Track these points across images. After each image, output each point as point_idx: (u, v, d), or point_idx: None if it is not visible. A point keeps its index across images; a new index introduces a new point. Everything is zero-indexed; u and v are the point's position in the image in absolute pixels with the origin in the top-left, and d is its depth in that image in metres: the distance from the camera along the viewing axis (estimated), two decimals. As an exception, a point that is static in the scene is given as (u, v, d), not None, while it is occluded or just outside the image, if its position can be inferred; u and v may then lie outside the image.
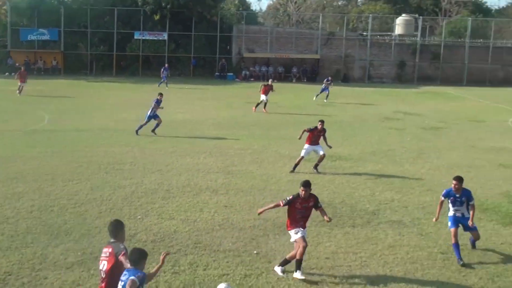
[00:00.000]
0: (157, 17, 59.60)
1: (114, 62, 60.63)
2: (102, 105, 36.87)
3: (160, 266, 8.47)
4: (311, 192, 11.31)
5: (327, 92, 42.66)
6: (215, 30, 60.97)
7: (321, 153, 19.78)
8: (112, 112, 33.71)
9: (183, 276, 10.95)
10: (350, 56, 64.37)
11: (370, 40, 64.89)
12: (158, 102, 26.71)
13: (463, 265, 11.74)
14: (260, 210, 11.93)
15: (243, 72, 61.98)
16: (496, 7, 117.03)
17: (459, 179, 12.25)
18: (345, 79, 60.68)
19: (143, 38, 60.59)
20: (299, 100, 43.24)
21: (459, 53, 65.20)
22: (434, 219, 12.77)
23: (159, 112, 26.53)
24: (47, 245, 12.32)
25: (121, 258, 8.09)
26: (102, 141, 24.44)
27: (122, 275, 7.90)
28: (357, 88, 54.23)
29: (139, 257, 7.93)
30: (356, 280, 11.01)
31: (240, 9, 70.31)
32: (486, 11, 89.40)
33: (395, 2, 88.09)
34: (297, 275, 10.84)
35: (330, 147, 20.66)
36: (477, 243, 12.75)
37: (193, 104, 38.10)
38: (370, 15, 70.07)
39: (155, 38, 60.86)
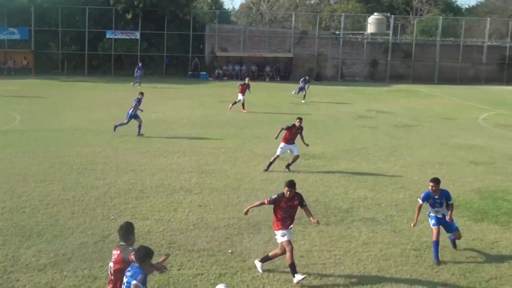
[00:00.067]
0: (129, 16, 59.17)
1: (86, 61, 60.02)
2: (74, 105, 36.50)
3: (159, 269, 8.43)
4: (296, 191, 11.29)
5: (304, 92, 42.54)
6: (188, 29, 60.74)
7: (296, 153, 19.80)
8: (85, 112, 33.39)
9: (157, 276, 10.88)
10: (323, 54, 64.65)
11: (342, 38, 65.22)
12: (139, 101, 26.48)
13: (438, 264, 11.84)
14: (245, 209, 11.87)
15: (216, 71, 61.87)
16: (466, 6, 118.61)
17: (436, 181, 12.21)
18: (318, 77, 60.88)
19: (115, 37, 60.09)
20: (273, 99, 43.31)
21: (430, 52, 65.89)
22: (412, 225, 12.58)
23: (138, 112, 26.35)
24: (18, 247, 12.17)
25: (132, 257, 7.99)
26: (74, 141, 24.21)
27: (127, 270, 7.85)
28: (330, 87, 54.50)
29: (144, 254, 7.79)
30: (331, 278, 11.06)
31: (213, 8, 70.15)
32: (456, 10, 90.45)
33: (367, 1, 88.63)
34: (298, 277, 10.68)
35: (307, 145, 20.65)
36: (448, 240, 12.87)
37: (166, 103, 37.92)
38: (343, 14, 70.40)
39: (128, 37, 60.41)
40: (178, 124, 29.47)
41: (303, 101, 41.15)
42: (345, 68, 65.21)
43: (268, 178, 18.58)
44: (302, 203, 11.29)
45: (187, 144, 24.18)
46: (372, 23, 68.55)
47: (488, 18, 70.73)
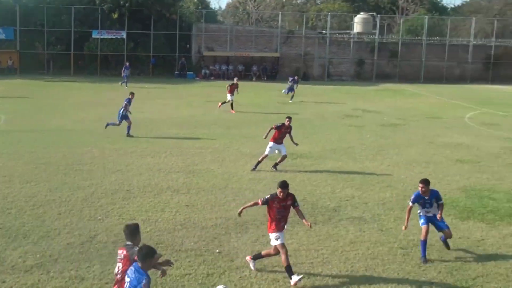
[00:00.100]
0: (115, 16, 58.97)
1: (72, 61, 59.73)
2: (60, 105, 36.32)
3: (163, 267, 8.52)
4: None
5: (293, 92, 42.39)
6: (174, 29, 60.62)
7: (284, 153, 19.81)
8: (71, 112, 33.23)
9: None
10: (310, 54, 64.77)
11: (329, 38, 65.38)
12: (130, 101, 26.31)
13: (425, 262, 11.89)
14: (239, 210, 11.79)
15: (203, 70, 61.81)
16: (452, 6, 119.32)
17: (425, 182, 12.16)
18: (304, 77, 60.99)
19: (101, 37, 59.87)
20: (260, 98, 43.32)
21: (416, 51, 66.22)
22: (403, 228, 12.42)
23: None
24: (4, 248, 12.09)
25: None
26: (60, 141, 24.07)
27: (129, 270, 7.78)
28: (317, 86, 54.62)
29: (146, 253, 7.68)
30: (318, 277, 11.08)
31: (199, 7, 70.05)
32: (442, 10, 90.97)
33: (353, 1, 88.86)
34: (295, 278, 10.58)
35: (297, 144, 20.72)
36: (436, 238, 12.91)
37: (153, 103, 37.81)
38: (329, 13, 70.55)
39: (114, 37, 60.21)
40: (165, 124, 29.40)
41: (290, 101, 41.13)
42: (332, 68, 65.38)
43: (255, 178, 18.58)
44: (294, 204, 11.23)
45: (174, 144, 24.12)
46: (358, 22, 68.76)
47: (474, 18, 71.17)
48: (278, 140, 19.76)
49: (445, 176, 19.42)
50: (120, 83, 48.25)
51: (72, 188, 16.73)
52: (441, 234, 12.56)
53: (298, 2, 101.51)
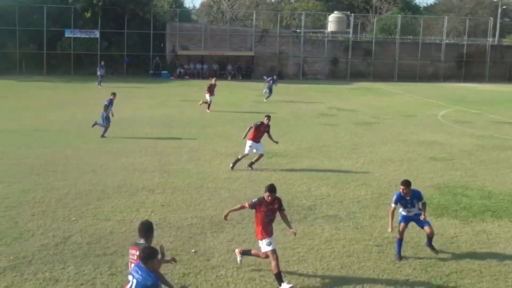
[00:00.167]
0: (88, 15, 58.52)
1: (45, 61, 59.12)
2: (33, 105, 35.93)
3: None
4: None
5: (271, 92, 42.07)
6: (148, 28, 60.34)
7: (260, 152, 19.84)
8: (44, 112, 32.89)
9: (120, 277, 10.79)
10: (284, 53, 64.94)
11: (303, 37, 65.61)
12: (111, 102, 25.83)
13: (400, 259, 11.97)
14: (225, 213, 11.55)
15: (178, 70, 61.62)
16: (424, 5, 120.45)
17: (407, 183, 12.07)
18: (279, 76, 61.12)
19: (74, 36, 59.39)
20: (234, 97, 43.29)
21: (390, 50, 66.77)
22: (389, 230, 12.27)
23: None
24: (-23, 250, 11.92)
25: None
26: (33, 142, 23.81)
27: (133, 270, 7.66)
28: (292, 85, 54.76)
29: (148, 254, 7.52)
30: (294, 276, 11.09)
31: (173, 6, 69.85)
32: (415, 9, 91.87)
33: (327, 0, 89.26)
34: (285, 286, 10.48)
35: (277, 142, 20.88)
36: (411, 236, 13.01)
37: (127, 103, 37.51)
38: (303, 12, 70.81)
39: (87, 36, 59.75)
40: (140, 124, 29.23)
41: (265, 100, 41.12)
42: (307, 66, 65.61)
43: (231, 177, 18.56)
44: (281, 207, 11.12)
45: (149, 143, 24.01)
46: (332, 21, 69.16)
47: (446, 17, 72.01)
48: (256, 139, 19.79)
49: (419, 174, 19.59)
50: (97, 83, 47.98)
51: (45, 189, 16.56)
52: (428, 239, 12.49)
53: (272, 1, 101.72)
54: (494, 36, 71.58)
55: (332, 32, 68.31)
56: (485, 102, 44.91)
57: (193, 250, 12.21)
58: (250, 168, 19.64)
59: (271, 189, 10.87)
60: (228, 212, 11.51)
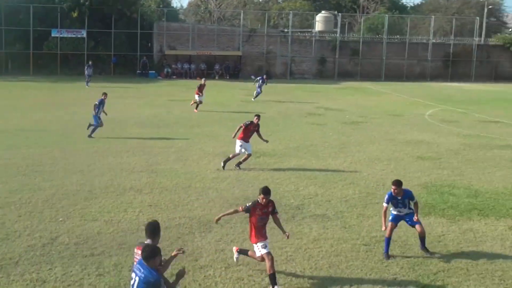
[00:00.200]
0: (75, 14, 58.22)
1: (31, 60, 58.75)
2: (19, 105, 35.69)
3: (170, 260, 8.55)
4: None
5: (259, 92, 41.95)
6: (135, 27, 60.14)
7: (249, 151, 19.86)
8: (30, 112, 32.69)
9: (107, 278, 10.76)
10: (272, 52, 64.96)
11: (291, 36, 65.68)
12: (102, 102, 25.64)
13: (388, 258, 12.01)
14: (217, 217, 11.42)
15: (165, 69, 61.47)
16: (411, 4, 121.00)
17: (398, 183, 12.07)
18: (267, 75, 61.12)
19: (61, 36, 59.08)
20: (222, 97, 43.24)
21: (377, 49, 66.97)
22: (383, 228, 12.33)
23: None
24: (-37, 252, 11.84)
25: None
26: (20, 142, 23.65)
27: (135, 267, 7.74)
28: (280, 84, 54.77)
29: (150, 252, 7.62)
30: (282, 275, 11.10)
31: (161, 6, 69.68)
32: (401, 8, 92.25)
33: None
34: None
35: (266, 141, 20.99)
36: (400, 234, 13.03)
37: (114, 103, 37.28)
38: (291, 12, 70.90)
39: (74, 36, 59.45)
40: (127, 124, 29.13)
41: (253, 99, 41.09)
42: (294, 66, 65.68)
43: (219, 177, 18.55)
44: (274, 210, 11.08)
45: (137, 143, 23.94)
46: (320, 21, 69.33)
47: (433, 16, 72.37)
48: (246, 138, 19.82)
49: (407, 173, 19.66)
50: (86, 83, 47.80)
51: (32, 190, 16.46)
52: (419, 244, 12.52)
53: (260, 0, 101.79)
54: (480, 35, 72.01)
55: (319, 32, 68.45)
56: (471, 101, 45.17)
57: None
58: (238, 168, 19.63)
59: (266, 191, 10.81)
60: (221, 216, 11.40)
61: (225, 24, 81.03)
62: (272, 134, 26.57)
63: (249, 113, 31.03)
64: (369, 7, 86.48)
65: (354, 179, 18.69)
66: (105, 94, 26.33)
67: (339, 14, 69.56)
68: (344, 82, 60.03)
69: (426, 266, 11.74)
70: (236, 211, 11.19)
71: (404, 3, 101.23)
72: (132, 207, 15.11)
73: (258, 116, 20.39)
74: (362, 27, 69.99)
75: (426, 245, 12.53)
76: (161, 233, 8.80)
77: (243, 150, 19.79)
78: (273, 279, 10.53)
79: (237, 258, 11.42)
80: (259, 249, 10.76)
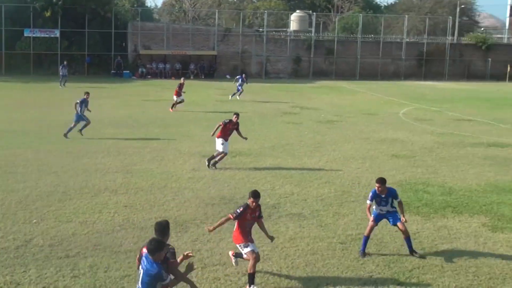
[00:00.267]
0: (48, 14, 57.64)
1: (3, 61, 58.01)
2: (-8, 106, 35.25)
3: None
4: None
5: (239, 91, 41.83)
6: (109, 27, 59.75)
7: (226, 151, 19.88)
8: (2, 112, 32.25)
9: (83, 280, 10.67)
10: (247, 52, 64.96)
11: (266, 36, 65.73)
12: (84, 101, 25.49)
13: (363, 256, 12.08)
14: (211, 227, 11.07)
15: (140, 69, 61.16)
16: (385, 4, 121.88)
17: (382, 181, 12.08)
18: (245, 74, 61.12)
19: (34, 35, 58.48)
20: (197, 96, 43.09)
21: (352, 48, 67.33)
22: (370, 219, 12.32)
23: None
24: None
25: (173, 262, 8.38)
26: (-8, 143, 23.36)
27: (142, 261, 8.03)
28: (255, 84, 54.73)
29: (155, 247, 7.90)
30: (259, 274, 11.10)
31: (135, 5, 69.34)
32: (375, 8, 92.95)
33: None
34: None
35: (246, 138, 21.10)
36: (376, 232, 13.03)
37: (89, 103, 37.04)
38: (266, 11, 70.96)
39: (47, 36, 58.89)
40: (102, 124, 28.88)
41: (230, 98, 40.99)
42: (269, 65, 65.75)
43: (194, 177, 18.50)
44: (260, 214, 11.02)
45: (112, 144, 23.77)
46: (294, 20, 69.57)
47: (406, 16, 72.95)
48: (225, 136, 19.86)
49: (381, 171, 19.76)
50: (63, 84, 47.29)
51: (5, 191, 16.25)
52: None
53: (235, 0, 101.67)
54: (453, 34, 72.78)
55: (294, 31, 68.64)
56: (445, 99, 45.63)
57: (157, 251, 12.11)
58: (214, 168, 19.60)
59: (256, 195, 10.76)
60: (214, 228, 11.02)
61: (200, 23, 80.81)
62: (248, 134, 26.49)
63: (224, 112, 31.05)
64: (343, 6, 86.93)
65: (330, 178, 18.76)
66: (87, 93, 26.23)
67: (314, 13, 69.81)
68: (319, 81, 60.25)
69: (401, 264, 11.83)
70: (227, 219, 10.88)
71: (378, 3, 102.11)
72: (107, 208, 15.00)
73: (237, 115, 20.48)
74: (336, 27, 70.30)
75: (401, 242, 12.59)
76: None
77: (225, 147, 19.81)
78: (251, 278, 10.52)
79: (236, 262, 11.29)
80: (241, 249, 10.75)
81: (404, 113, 36.46)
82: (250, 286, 10.50)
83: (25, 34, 58.28)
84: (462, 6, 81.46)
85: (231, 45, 64.72)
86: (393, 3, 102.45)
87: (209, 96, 43.77)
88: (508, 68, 66.55)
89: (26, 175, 18.15)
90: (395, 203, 12.34)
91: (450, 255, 12.31)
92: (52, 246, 12.22)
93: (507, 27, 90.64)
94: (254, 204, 10.73)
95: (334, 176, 19.10)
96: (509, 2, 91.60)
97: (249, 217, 10.77)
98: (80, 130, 25.04)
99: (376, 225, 12.38)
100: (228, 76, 61.71)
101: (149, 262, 7.88)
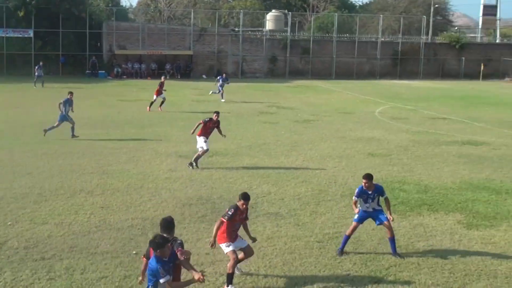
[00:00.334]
0: (21, 14, 56.99)
1: (-24, 61, 57.31)
2: (-36, 107, 34.77)
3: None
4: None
5: (221, 91, 41.65)
6: (84, 27, 59.25)
7: (208, 148, 19.94)
8: (-24, 114, 31.86)
9: (59, 282, 10.57)
10: (223, 51, 64.87)
11: (242, 35, 65.70)
12: (68, 101, 25.22)
13: (341, 255, 12.13)
14: (211, 240, 10.67)
15: (115, 69, 60.75)
16: (360, 3, 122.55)
17: (369, 177, 12.05)
18: (218, 74, 60.92)
19: (7, 35, 57.81)
20: (173, 96, 42.90)
21: (327, 48, 67.56)
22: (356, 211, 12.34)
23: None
24: None
25: (177, 252, 8.65)
26: (-35, 145, 23.05)
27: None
28: (231, 84, 54.57)
29: (158, 242, 8.16)
30: (237, 273, 11.09)
31: (110, 5, 68.82)
32: (351, 7, 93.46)
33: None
34: None
35: (224, 136, 21.15)
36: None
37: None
38: (241, 11, 70.92)
39: (20, 36, 58.25)
40: (77, 125, 28.41)
41: (222, 100, 40.49)
42: (246, 65, 65.72)
43: (171, 177, 18.43)
44: (246, 216, 11.03)
45: (87, 144, 23.58)
46: (270, 20, 69.66)
47: (381, 15, 73.41)
48: (206, 134, 19.87)
49: (358, 170, 19.88)
50: (41, 84, 46.76)
51: (-21, 193, 16.06)
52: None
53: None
54: (427, 34, 73.44)
55: (270, 31, 68.72)
56: (420, 98, 46.00)
57: (134, 252, 12.06)
58: (191, 167, 19.55)
59: (246, 197, 10.77)
60: (214, 240, 10.68)
61: (176, 23, 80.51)
62: (225, 133, 26.53)
63: (201, 112, 31.03)
64: (318, 6, 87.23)
65: (307, 177, 18.82)
66: (71, 93, 25.93)
67: (290, 13, 69.94)
68: (296, 81, 60.39)
69: (378, 262, 11.91)
70: (221, 223, 10.61)
71: (353, 2, 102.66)
72: (83, 209, 14.88)
73: (217, 113, 20.50)
74: (312, 26, 70.53)
75: (377, 240, 12.69)
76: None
77: (199, 146, 19.78)
78: (230, 278, 10.52)
79: (238, 270, 11.18)
80: (224, 248, 10.71)
81: (379, 112, 36.71)
82: (228, 286, 10.50)
83: (-2, 34, 57.60)
84: (436, 5, 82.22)
85: (207, 44, 64.59)
86: (368, 2, 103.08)
87: (185, 96, 43.65)
88: (482, 67, 67.29)
89: (0, 177, 17.93)
90: (382, 200, 12.39)
91: (426, 253, 12.43)
92: (27, 248, 12.09)
93: (480, 26, 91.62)
94: (244, 206, 10.76)
95: (311, 175, 19.16)
96: (482, 2, 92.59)
97: (237, 219, 10.75)
98: (73, 136, 24.76)
99: (359, 224, 12.37)
100: (204, 76, 61.58)
101: (152, 257, 8.22)
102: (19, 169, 18.97)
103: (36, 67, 48.73)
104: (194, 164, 19.65)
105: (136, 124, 29.34)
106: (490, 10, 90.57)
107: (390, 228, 12.25)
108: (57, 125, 24.89)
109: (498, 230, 14.06)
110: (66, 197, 15.98)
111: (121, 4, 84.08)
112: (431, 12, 76.97)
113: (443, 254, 12.37)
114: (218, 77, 43.50)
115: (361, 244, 12.80)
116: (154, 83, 37.66)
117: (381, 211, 12.35)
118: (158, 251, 8.13)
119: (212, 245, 10.70)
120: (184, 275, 9.48)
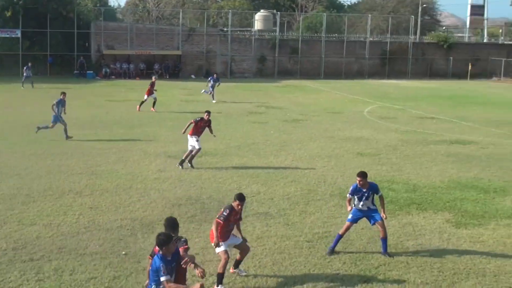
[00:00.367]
0: (8, 14, 56.60)
1: (-37, 62, 56.87)
2: (-49, 108, 34.51)
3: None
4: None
5: (212, 91, 41.57)
6: (72, 27, 58.92)
7: (200, 146, 19.96)
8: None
9: (48, 283, 10.52)
10: (212, 51, 64.77)
11: (230, 35, 65.62)
12: (61, 101, 25.11)
13: (330, 254, 12.15)
14: (215, 241, 10.58)
15: (104, 69, 60.46)
16: (349, 3, 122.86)
17: (363, 175, 12.04)
18: (207, 74, 60.93)
19: (-6, 35, 57.43)
20: (162, 97, 42.75)
21: (316, 48, 67.56)
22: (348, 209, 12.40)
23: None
24: None
25: (180, 250, 8.78)
26: (-48, 146, 22.89)
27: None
28: (220, 84, 54.64)
29: (162, 239, 8.39)
30: (226, 274, 11.08)
31: (98, 5, 68.50)
32: (339, 7, 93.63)
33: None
34: None
35: (215, 136, 21.22)
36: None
37: (51, 104, 36.53)
38: (230, 11, 70.83)
39: (7, 36, 57.82)
40: (65, 125, 28.52)
41: (213, 101, 40.31)
42: (234, 65, 65.66)
43: (160, 177, 18.39)
44: (240, 217, 11.02)
45: (75, 145, 23.49)
46: (259, 20, 69.61)
47: (369, 15, 73.58)
48: (197, 134, 19.89)
49: (347, 169, 19.95)
50: (31, 85, 46.45)
51: (-34, 195, 15.96)
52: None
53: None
54: (415, 33, 73.66)
55: (259, 31, 68.66)
56: (408, 98, 46.16)
57: (123, 253, 12.04)
58: (181, 167, 19.53)
59: (242, 197, 10.80)
60: (218, 240, 10.59)
61: (164, 23, 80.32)
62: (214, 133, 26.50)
63: (190, 113, 31.00)
64: (307, 6, 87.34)
65: (296, 177, 18.84)
66: (63, 93, 25.82)
67: (278, 13, 69.92)
68: (284, 81, 60.42)
69: (367, 261, 11.94)
70: (218, 225, 10.56)
71: (342, 2, 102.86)
72: (72, 210, 14.83)
73: (209, 113, 20.52)
74: (300, 26, 70.57)
75: (366, 240, 12.73)
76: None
77: (190, 145, 19.77)
78: (220, 278, 10.52)
79: (241, 272, 11.21)
80: (215, 248, 10.71)
81: (368, 112, 36.81)
82: (218, 286, 10.50)
83: (-15, 35, 57.21)
84: (424, 5, 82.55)
85: (196, 44, 64.46)
86: (356, 2, 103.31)
87: (174, 96, 43.54)
88: (469, 67, 67.62)
89: (-12, 178, 17.84)
90: (376, 198, 12.41)
91: (415, 252, 12.48)
92: (15, 250, 12.03)
93: (467, 26, 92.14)
94: (239, 207, 10.77)
95: (300, 174, 19.18)
96: (469, 2, 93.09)
97: (232, 219, 10.76)
98: (67, 138, 24.63)
99: (352, 224, 12.39)
100: (193, 76, 61.46)
101: (156, 255, 8.42)
102: (6, 170, 18.86)
103: (25, 68, 48.43)
104: (190, 165, 19.66)
105: (125, 125, 29.26)
106: (477, 10, 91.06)
107: (384, 228, 12.27)
108: (52, 126, 24.82)
109: (486, 229, 14.14)
110: (54, 198, 15.91)
111: (109, 4, 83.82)
112: (419, 12, 77.25)
113: (432, 253, 12.43)
114: (209, 78, 43.39)
115: (350, 244, 12.83)
116: (142, 83, 37.58)
117: (375, 211, 12.37)
118: (163, 248, 8.30)
119: (217, 246, 10.64)
120: (190, 279, 9.44)
